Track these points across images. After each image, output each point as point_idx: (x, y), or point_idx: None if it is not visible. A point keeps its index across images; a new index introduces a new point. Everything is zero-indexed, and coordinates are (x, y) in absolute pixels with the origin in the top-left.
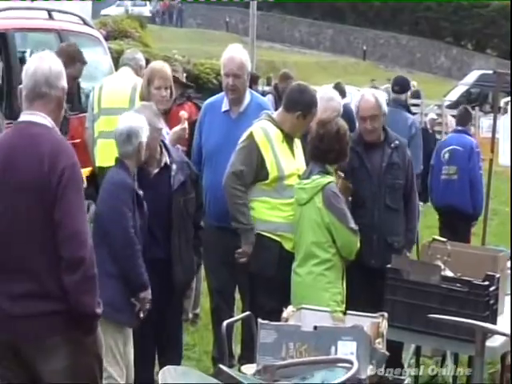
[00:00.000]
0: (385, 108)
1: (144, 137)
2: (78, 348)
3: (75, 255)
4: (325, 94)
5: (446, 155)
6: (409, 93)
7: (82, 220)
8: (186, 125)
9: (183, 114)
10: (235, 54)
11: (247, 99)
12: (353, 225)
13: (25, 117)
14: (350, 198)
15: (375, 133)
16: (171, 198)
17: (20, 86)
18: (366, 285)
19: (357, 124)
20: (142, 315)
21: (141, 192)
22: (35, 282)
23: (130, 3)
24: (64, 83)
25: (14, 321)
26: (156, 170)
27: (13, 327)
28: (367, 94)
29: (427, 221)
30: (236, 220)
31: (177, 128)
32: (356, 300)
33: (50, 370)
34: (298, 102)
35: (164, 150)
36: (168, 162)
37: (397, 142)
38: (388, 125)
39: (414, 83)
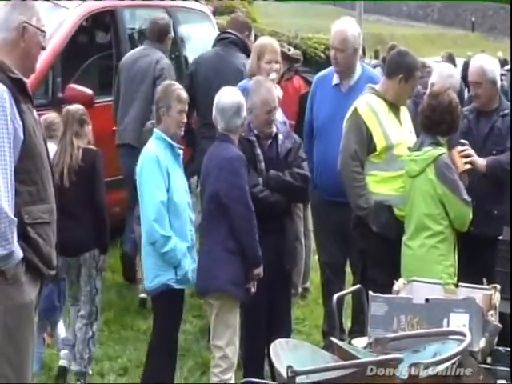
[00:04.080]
0: (492, 76)
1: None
2: None
3: None
4: (444, 71)
5: None
6: None
7: None
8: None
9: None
10: (340, 27)
11: (358, 72)
12: (466, 196)
13: None
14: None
15: (479, 99)
16: (280, 167)
17: None
18: (466, 253)
19: (465, 95)
20: (253, 290)
21: None
22: None
23: None
24: None
25: None
26: (269, 142)
27: None
28: (476, 59)
29: None
30: (357, 207)
31: None
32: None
33: None
34: (399, 66)
35: None
36: (277, 132)
37: (506, 111)
38: None
39: (500, 54)
